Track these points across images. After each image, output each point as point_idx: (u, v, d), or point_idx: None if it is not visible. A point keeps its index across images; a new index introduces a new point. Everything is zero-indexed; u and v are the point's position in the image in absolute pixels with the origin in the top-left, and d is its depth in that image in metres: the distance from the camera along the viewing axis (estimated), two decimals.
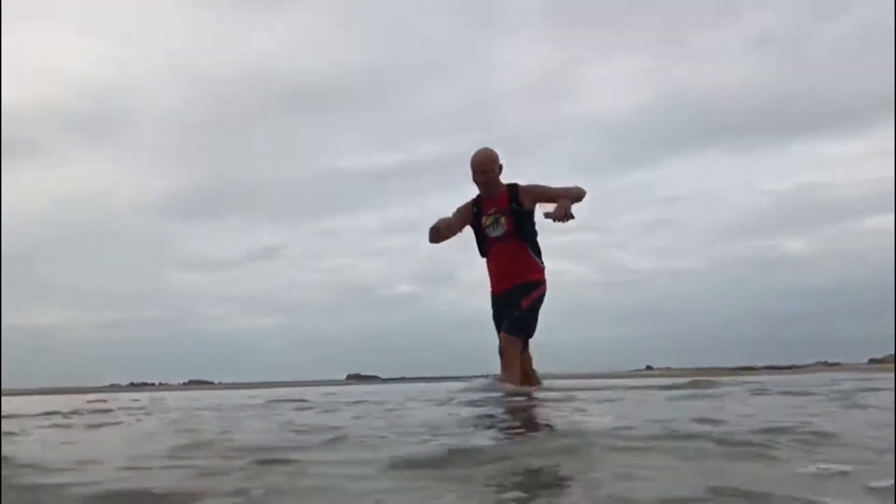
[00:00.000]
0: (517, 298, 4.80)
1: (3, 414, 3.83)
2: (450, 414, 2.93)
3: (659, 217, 73.33)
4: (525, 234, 4.88)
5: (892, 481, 1.19)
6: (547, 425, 2.46)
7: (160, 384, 43.49)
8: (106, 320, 68.07)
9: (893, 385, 4.27)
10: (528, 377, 4.90)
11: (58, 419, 3.43)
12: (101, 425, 3.01)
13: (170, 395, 8.54)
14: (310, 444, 1.89)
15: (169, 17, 71.48)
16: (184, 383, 44.87)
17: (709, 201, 71.65)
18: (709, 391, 4.22)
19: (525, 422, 2.59)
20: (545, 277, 4.91)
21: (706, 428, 1.97)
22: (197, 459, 1.65)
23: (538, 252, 4.93)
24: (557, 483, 1.32)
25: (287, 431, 2.35)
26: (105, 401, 6.79)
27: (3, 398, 7.67)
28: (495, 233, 4.91)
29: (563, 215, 4.62)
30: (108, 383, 41.92)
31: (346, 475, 1.39)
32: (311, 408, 3.71)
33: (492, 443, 1.87)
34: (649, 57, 73.22)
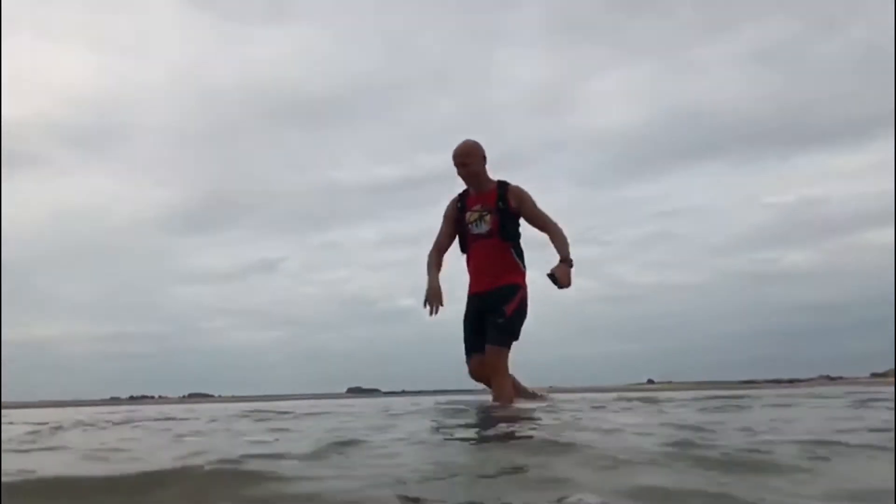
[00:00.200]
0: (499, 304, 4.60)
1: None
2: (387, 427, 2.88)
3: (659, 231, 73.54)
4: (509, 233, 4.70)
5: None
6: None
7: (160, 397, 43.42)
8: (106, 333, 68.24)
9: (894, 397, 4.26)
10: (516, 387, 4.73)
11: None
12: None
13: (150, 409, 8.43)
14: None
15: (168, 30, 71.97)
16: (184, 396, 44.77)
17: (709, 215, 71.96)
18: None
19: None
20: (526, 282, 4.74)
21: None
22: None
23: (521, 254, 4.76)
24: None
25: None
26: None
27: (1, 411, 7.64)
28: (478, 230, 4.73)
29: (567, 284, 4.53)
30: (108, 396, 41.90)
31: None
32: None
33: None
34: (649, 71, 73.58)
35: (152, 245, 73.73)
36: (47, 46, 66.30)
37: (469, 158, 4.74)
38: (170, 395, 44.25)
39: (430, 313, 4.55)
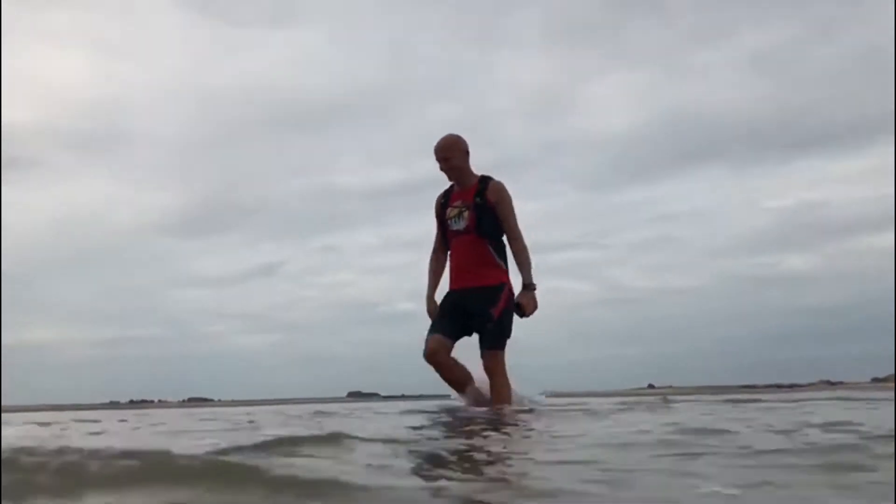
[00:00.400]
0: (485, 308, 4.48)
1: None
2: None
3: (659, 235, 73.51)
4: (485, 230, 4.55)
5: None
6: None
7: (160, 401, 43.36)
8: (106, 337, 68.08)
9: (894, 401, 4.27)
10: (500, 391, 4.49)
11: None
12: None
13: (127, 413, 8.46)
14: None
15: (168, 35, 72.09)
16: (183, 401, 44.71)
17: (708, 219, 71.85)
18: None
19: None
20: (508, 279, 4.62)
21: None
22: None
23: (501, 251, 4.61)
24: None
25: None
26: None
27: (1, 414, 7.64)
28: (456, 226, 4.61)
29: (532, 312, 4.54)
30: (107, 400, 41.83)
31: None
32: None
33: None
34: (648, 74, 73.65)
35: (152, 249, 73.73)
36: (48, 50, 66.38)
37: (450, 153, 4.62)
38: (170, 399, 44.22)
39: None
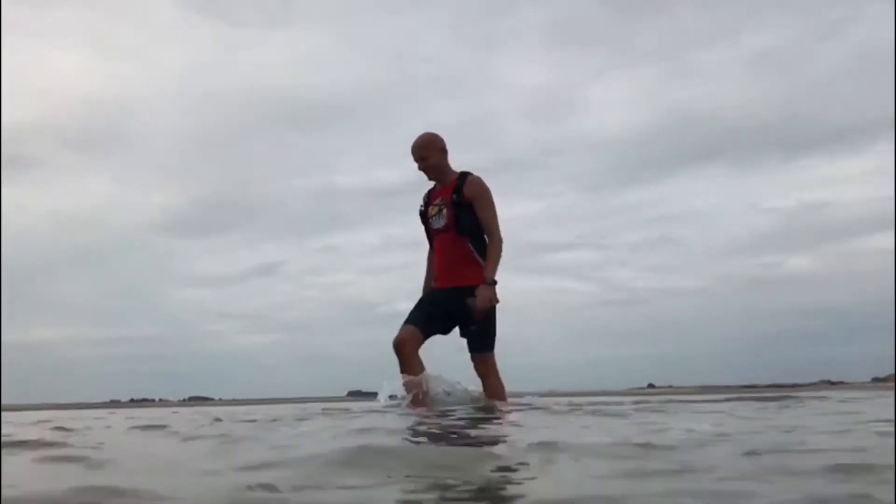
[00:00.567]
0: (469, 310, 4.43)
1: None
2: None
3: (660, 235, 73.32)
4: (464, 227, 4.50)
5: None
6: None
7: (160, 400, 43.40)
8: (106, 337, 67.87)
9: (894, 402, 4.26)
10: (495, 390, 4.50)
11: None
12: None
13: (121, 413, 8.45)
14: None
15: (168, 34, 72.07)
16: (184, 399, 44.74)
17: (710, 219, 71.65)
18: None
19: None
20: None
21: None
22: None
23: (482, 248, 4.53)
24: None
25: None
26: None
27: (1, 413, 7.64)
28: (437, 224, 4.59)
29: (485, 309, 4.38)
30: (107, 399, 41.87)
31: None
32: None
33: None
34: (649, 75, 73.51)
35: (153, 248, 73.61)
36: (48, 49, 66.39)
37: (427, 151, 4.60)
38: (170, 398, 44.25)
39: None
